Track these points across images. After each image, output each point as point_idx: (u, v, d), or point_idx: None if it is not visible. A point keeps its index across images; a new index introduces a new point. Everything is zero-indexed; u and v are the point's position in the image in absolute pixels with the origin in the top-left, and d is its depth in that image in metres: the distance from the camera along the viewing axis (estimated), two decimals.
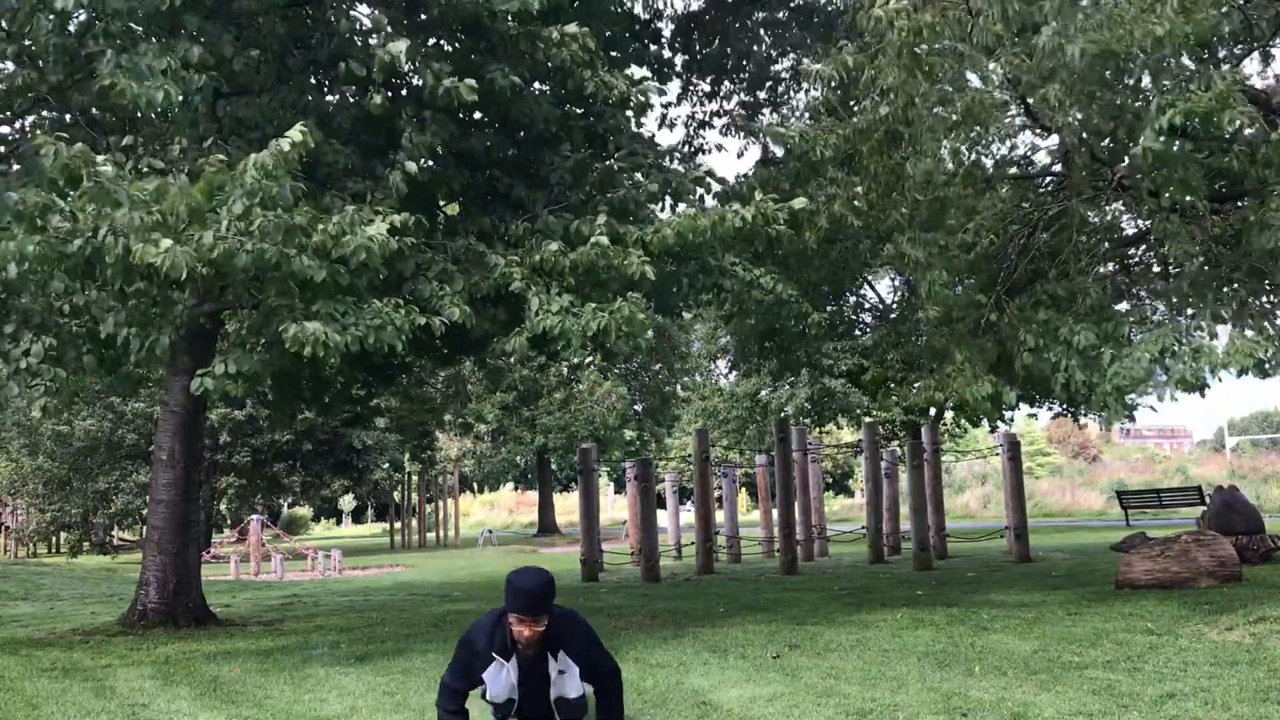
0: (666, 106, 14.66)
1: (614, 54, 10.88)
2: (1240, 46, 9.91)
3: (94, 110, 9.69)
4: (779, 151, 12.35)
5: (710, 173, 10.65)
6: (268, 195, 7.40)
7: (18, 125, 10.22)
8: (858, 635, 8.50)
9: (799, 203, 9.18)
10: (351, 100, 9.44)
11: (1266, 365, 8.11)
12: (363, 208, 8.08)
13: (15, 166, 8.96)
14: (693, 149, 14.69)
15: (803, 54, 14.07)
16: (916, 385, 19.45)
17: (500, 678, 4.63)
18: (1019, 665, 6.93)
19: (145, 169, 8.24)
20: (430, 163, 10.65)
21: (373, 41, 9.09)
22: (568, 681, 4.65)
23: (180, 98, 8.00)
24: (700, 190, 10.50)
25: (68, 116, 9.88)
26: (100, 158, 7.30)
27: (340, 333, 7.55)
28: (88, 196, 7.11)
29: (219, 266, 7.21)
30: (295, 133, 7.54)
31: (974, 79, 8.74)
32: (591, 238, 8.69)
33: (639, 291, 8.74)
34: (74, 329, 8.25)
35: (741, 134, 13.50)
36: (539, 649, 4.62)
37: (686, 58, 14.13)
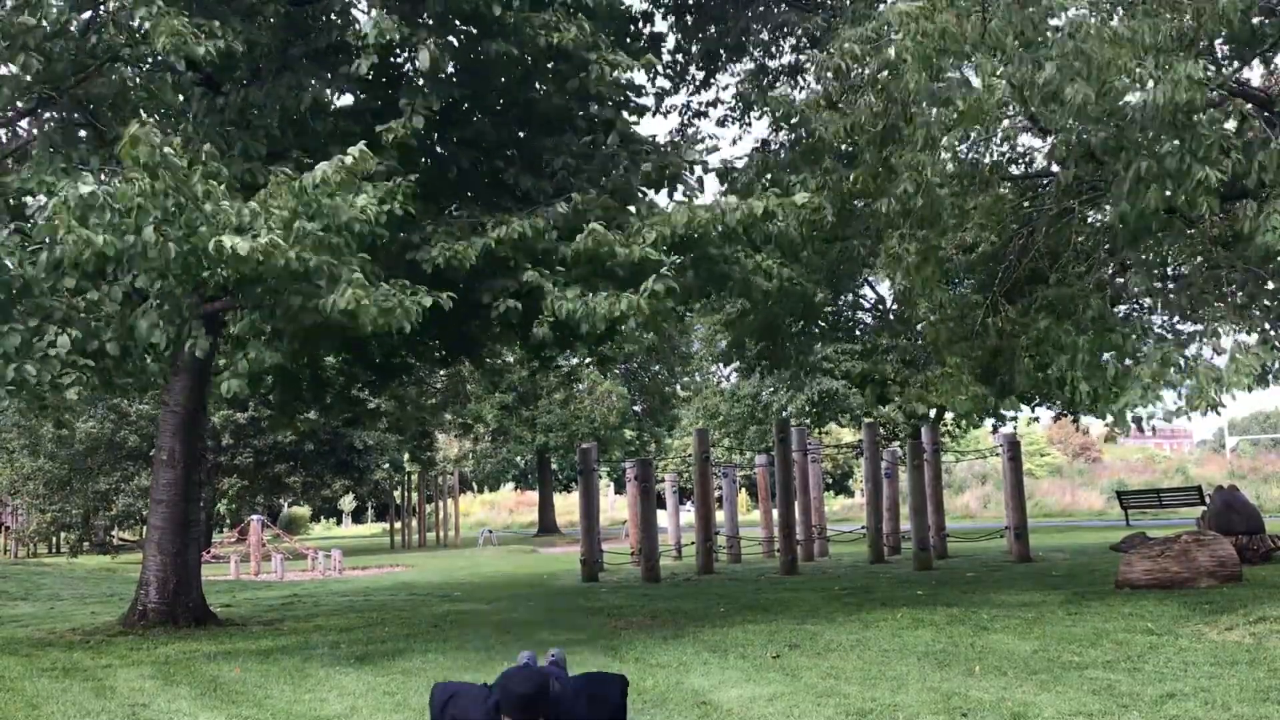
0: (661, 95, 14.69)
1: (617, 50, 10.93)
2: (1245, 50, 9.90)
3: (95, 106, 9.70)
4: (781, 132, 12.35)
5: (711, 149, 10.69)
6: (316, 208, 7.51)
7: (26, 122, 10.23)
8: (858, 635, 8.51)
9: (800, 198, 9.18)
10: (348, 78, 9.52)
11: (1270, 376, 8.12)
12: (362, 184, 8.15)
13: (17, 165, 8.97)
14: (687, 140, 14.72)
15: (799, 36, 14.04)
16: (906, 385, 19.46)
17: None
18: (1019, 665, 6.93)
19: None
20: (438, 153, 10.72)
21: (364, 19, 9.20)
22: None
23: (216, 55, 8.10)
24: (699, 172, 10.53)
25: (75, 115, 9.89)
26: (167, 149, 7.30)
27: (382, 309, 7.64)
28: (167, 188, 7.14)
29: (254, 267, 7.27)
30: (356, 150, 7.66)
31: (974, 80, 8.74)
32: (589, 224, 8.74)
33: (656, 275, 8.76)
34: (93, 324, 8.28)
35: (755, 106, 13.46)
36: None
37: (680, 37, 14.14)
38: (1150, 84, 7.30)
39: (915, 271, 9.54)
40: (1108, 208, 7.63)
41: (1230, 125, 8.31)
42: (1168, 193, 7.47)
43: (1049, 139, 10.46)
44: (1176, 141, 7.53)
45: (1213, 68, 9.78)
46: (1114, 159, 8.09)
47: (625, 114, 10.73)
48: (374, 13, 8.56)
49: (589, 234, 8.62)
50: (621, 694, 4.63)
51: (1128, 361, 8.47)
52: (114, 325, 8.16)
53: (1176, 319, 10.83)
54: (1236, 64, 9.86)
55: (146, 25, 8.10)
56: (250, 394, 8.65)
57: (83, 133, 9.76)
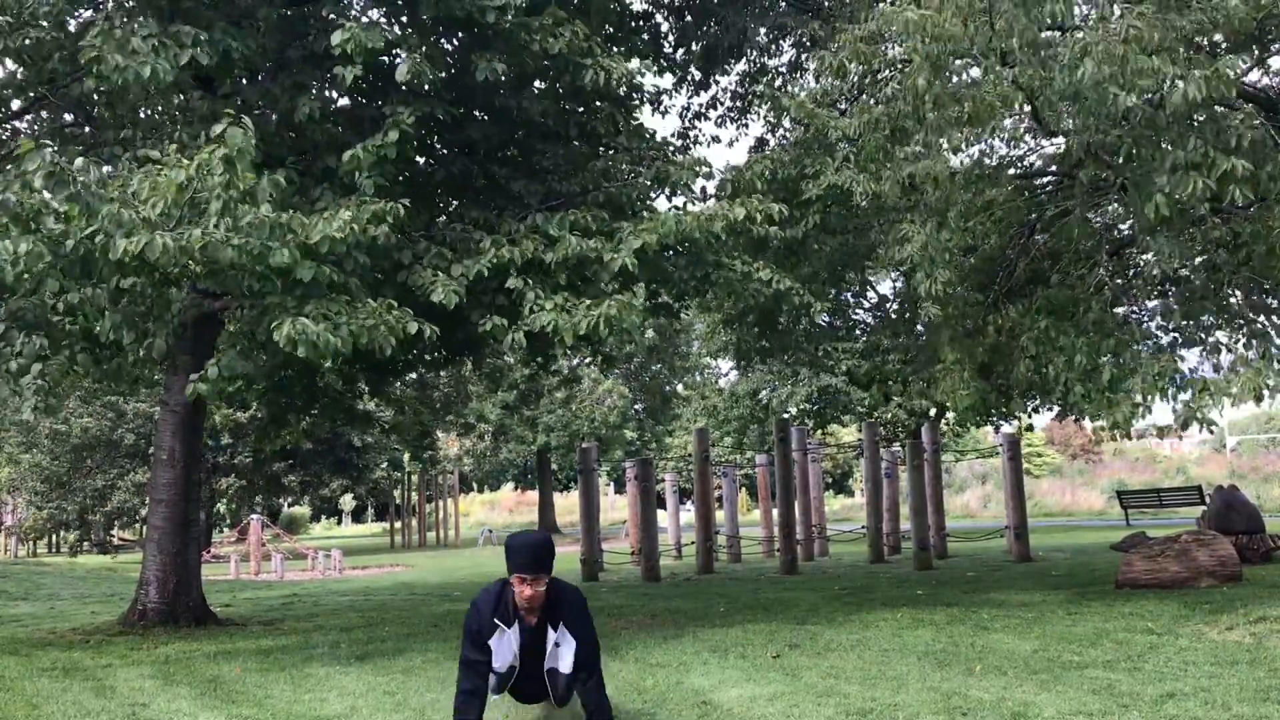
0: (661, 94, 14.72)
1: (614, 49, 10.92)
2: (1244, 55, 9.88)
3: (91, 106, 9.70)
4: (787, 126, 12.36)
5: (699, 162, 10.72)
6: (245, 191, 7.42)
7: (20, 123, 10.23)
8: (858, 635, 8.51)
9: (775, 209, 9.28)
10: (334, 85, 9.51)
11: (1267, 391, 8.12)
12: (346, 200, 8.10)
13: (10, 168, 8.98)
14: (687, 142, 14.76)
15: (800, 36, 14.05)
16: (909, 383, 19.42)
17: (504, 644, 4.70)
18: (1019, 665, 6.93)
19: (142, 157, 8.28)
20: (434, 158, 10.71)
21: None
22: (562, 654, 4.72)
23: (169, 78, 7.97)
24: (700, 181, 10.55)
25: (67, 115, 9.89)
26: (80, 161, 7.29)
27: (333, 332, 7.53)
28: (73, 201, 7.12)
29: (206, 260, 7.22)
30: (235, 133, 7.48)
31: (977, 75, 8.73)
32: (566, 236, 8.83)
33: (630, 284, 8.78)
34: (66, 327, 8.23)
35: (761, 104, 13.46)
36: (540, 617, 4.68)
37: (679, 36, 14.16)
38: (1178, 83, 7.28)
39: (927, 268, 9.53)
40: (1116, 206, 7.63)
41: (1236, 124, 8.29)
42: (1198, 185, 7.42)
43: (1054, 140, 10.45)
44: (1197, 139, 7.52)
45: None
46: (1132, 158, 8.05)
47: (623, 117, 10.74)
48: (350, 25, 8.49)
49: (567, 246, 8.74)
50: (594, 651, 4.92)
51: (1123, 360, 8.46)
52: (106, 327, 8.11)
53: (1173, 322, 10.82)
54: (1244, 64, 9.83)
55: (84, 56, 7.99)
56: (216, 400, 8.59)
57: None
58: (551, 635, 4.71)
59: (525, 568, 4.60)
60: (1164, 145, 7.62)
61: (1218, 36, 8.16)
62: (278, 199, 7.64)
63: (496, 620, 4.70)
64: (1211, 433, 8.38)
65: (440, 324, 8.77)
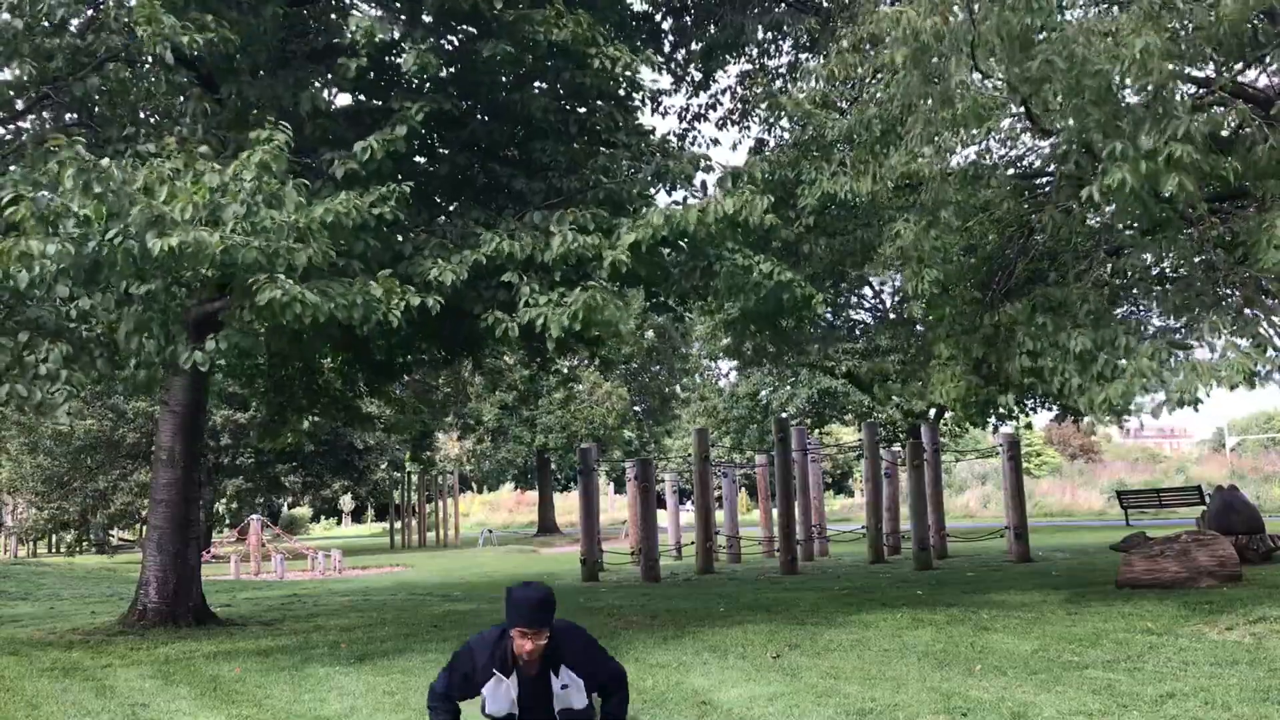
0: (660, 94, 14.69)
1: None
2: (1244, 56, 9.86)
3: (93, 105, 9.71)
4: (785, 127, 12.39)
5: (704, 156, 10.73)
6: (270, 194, 7.47)
7: (24, 123, 10.23)
8: (858, 635, 8.51)
9: (763, 202, 9.30)
10: (341, 80, 9.58)
11: (1258, 378, 8.11)
12: (346, 191, 8.18)
13: (13, 167, 8.97)
14: (685, 143, 14.77)
15: (798, 35, 14.07)
16: (908, 381, 19.45)
17: (500, 693, 4.63)
18: (1019, 665, 6.93)
19: (143, 153, 8.33)
20: (435, 156, 10.73)
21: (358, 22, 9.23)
22: (573, 695, 4.65)
23: (197, 50, 8.22)
24: (701, 175, 10.57)
25: (69, 116, 9.89)
26: (106, 160, 7.32)
27: (324, 300, 7.56)
28: (100, 202, 7.15)
29: (224, 263, 7.26)
30: (279, 135, 7.70)
31: (974, 78, 8.74)
32: (564, 232, 8.87)
33: (628, 283, 8.81)
34: (84, 334, 8.29)
35: (759, 107, 13.51)
36: (541, 666, 4.61)
37: (678, 37, 14.19)
38: (1126, 64, 7.27)
39: (916, 267, 9.55)
40: (1092, 191, 7.63)
41: (1229, 125, 8.29)
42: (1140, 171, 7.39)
43: (1051, 139, 10.44)
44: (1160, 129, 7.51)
45: (1210, 70, 9.77)
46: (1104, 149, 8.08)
47: (624, 114, 10.75)
48: (362, 9, 8.57)
49: (564, 243, 8.77)
50: (616, 678, 4.80)
51: (1122, 362, 8.47)
52: (104, 334, 8.17)
53: (1170, 319, 10.81)
54: (1240, 65, 9.81)
55: (136, 20, 8.13)
56: (212, 370, 8.64)
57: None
58: (556, 680, 4.64)
59: (526, 622, 4.52)
60: (1123, 136, 7.60)
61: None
62: (294, 201, 7.70)
63: (494, 670, 4.62)
64: (1197, 410, 8.36)
65: (442, 319, 8.80)
